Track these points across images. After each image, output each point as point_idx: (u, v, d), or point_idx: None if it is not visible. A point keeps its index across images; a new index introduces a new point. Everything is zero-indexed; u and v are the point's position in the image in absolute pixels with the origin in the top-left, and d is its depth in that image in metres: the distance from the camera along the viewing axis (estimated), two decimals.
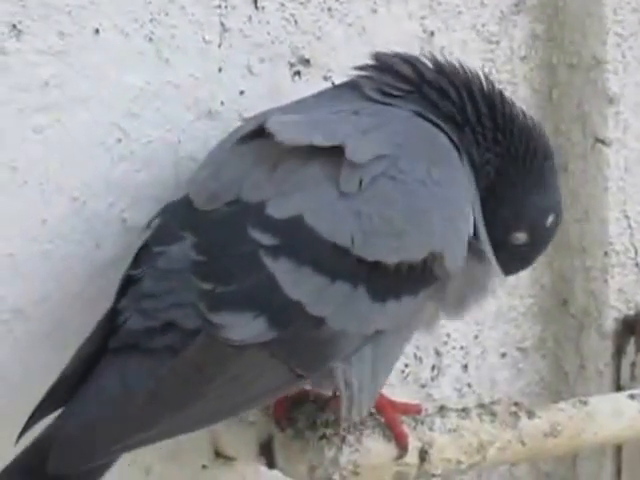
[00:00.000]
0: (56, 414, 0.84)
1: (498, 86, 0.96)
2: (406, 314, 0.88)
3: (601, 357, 1.27)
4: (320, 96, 0.96)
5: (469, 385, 1.24)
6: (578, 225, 1.27)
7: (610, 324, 1.26)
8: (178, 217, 0.88)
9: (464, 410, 0.99)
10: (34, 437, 0.82)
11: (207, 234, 0.86)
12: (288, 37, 1.06)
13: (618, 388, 1.26)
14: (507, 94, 0.97)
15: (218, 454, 1.04)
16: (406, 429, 0.94)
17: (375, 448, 0.92)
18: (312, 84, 1.06)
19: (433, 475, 0.96)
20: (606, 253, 1.26)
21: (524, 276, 1.22)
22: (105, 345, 0.85)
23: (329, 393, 0.93)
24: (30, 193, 0.93)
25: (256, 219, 0.85)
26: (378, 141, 0.88)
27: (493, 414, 0.99)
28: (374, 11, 1.12)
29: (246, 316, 0.82)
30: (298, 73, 1.07)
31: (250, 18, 1.04)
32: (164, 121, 0.99)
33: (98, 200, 0.96)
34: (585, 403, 1.05)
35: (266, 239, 0.84)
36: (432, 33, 1.17)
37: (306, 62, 1.07)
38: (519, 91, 1.24)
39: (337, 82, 1.04)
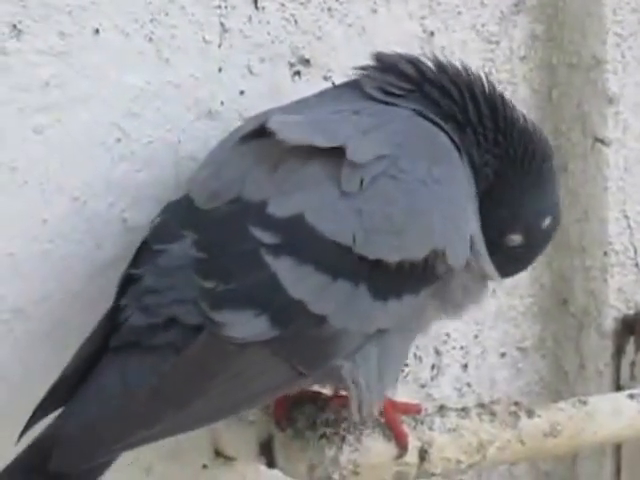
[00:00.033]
0: (57, 413, 0.84)
1: (499, 87, 0.96)
2: (407, 313, 0.88)
3: (601, 357, 1.27)
4: (321, 96, 0.96)
5: (469, 385, 1.24)
6: (578, 225, 1.27)
7: (610, 324, 1.26)
8: (179, 216, 0.89)
9: (464, 410, 0.99)
10: (35, 436, 0.82)
11: (208, 232, 0.86)
12: (288, 37, 1.06)
13: (618, 388, 1.26)
14: (507, 94, 0.97)
15: (218, 454, 1.04)
16: (406, 429, 0.94)
17: (375, 447, 0.92)
18: (312, 84, 1.06)
19: (433, 474, 0.96)
20: (605, 253, 1.26)
21: (524, 276, 1.21)
22: (106, 344, 0.86)
23: (330, 392, 0.93)
24: (30, 193, 0.93)
25: (257, 218, 0.85)
26: (378, 141, 0.88)
27: (493, 414, 0.99)
28: (374, 11, 1.12)
29: (247, 314, 0.82)
30: (298, 73, 1.07)
31: (250, 18, 1.04)
32: (164, 121, 0.99)
33: (98, 200, 0.96)
34: (585, 403, 1.05)
35: (267, 237, 0.84)
36: (432, 33, 1.17)
37: (306, 62, 1.08)
38: (519, 91, 1.24)
39: (337, 82, 1.05)
